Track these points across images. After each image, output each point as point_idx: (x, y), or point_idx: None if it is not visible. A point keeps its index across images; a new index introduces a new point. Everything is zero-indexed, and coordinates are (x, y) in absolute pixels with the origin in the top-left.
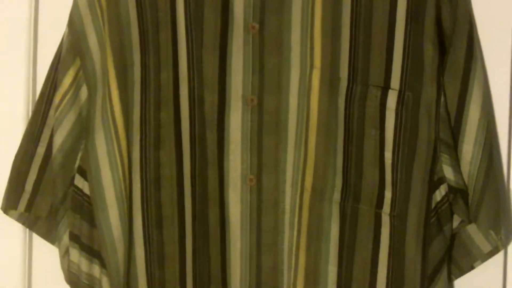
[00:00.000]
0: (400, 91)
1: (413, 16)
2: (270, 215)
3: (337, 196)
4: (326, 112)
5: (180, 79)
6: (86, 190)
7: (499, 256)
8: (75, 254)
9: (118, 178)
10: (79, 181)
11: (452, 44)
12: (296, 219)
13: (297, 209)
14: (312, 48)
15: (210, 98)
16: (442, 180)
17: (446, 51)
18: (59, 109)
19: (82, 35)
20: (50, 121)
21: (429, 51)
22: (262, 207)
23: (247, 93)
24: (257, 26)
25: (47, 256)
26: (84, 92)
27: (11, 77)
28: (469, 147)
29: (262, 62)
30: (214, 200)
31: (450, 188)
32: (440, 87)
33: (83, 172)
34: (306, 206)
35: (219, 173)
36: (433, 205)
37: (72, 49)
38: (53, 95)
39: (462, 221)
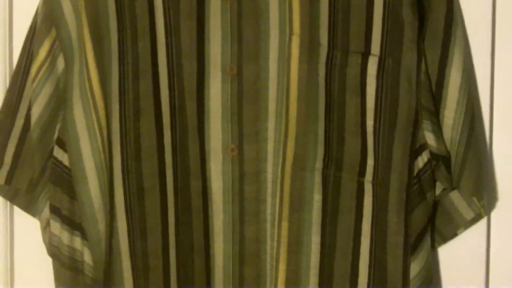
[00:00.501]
0: (380, 57)
1: None
2: (252, 185)
3: (319, 164)
4: (306, 79)
5: (158, 48)
6: (66, 162)
7: (482, 222)
8: (56, 227)
9: (98, 149)
10: (58, 153)
11: (432, 9)
12: (278, 188)
13: (279, 178)
14: (290, 14)
15: (189, 67)
16: (424, 147)
17: (425, 16)
18: (36, 81)
19: (57, 4)
20: (27, 93)
21: (409, 15)
22: (244, 177)
23: (226, 62)
24: None
25: (28, 229)
26: (60, 63)
27: None
28: (450, 113)
29: (240, 31)
30: (195, 170)
31: (432, 154)
32: (420, 53)
33: (62, 144)
34: (288, 175)
35: (199, 143)
36: (415, 172)
37: (47, 19)
38: (30, 66)
39: (444, 189)
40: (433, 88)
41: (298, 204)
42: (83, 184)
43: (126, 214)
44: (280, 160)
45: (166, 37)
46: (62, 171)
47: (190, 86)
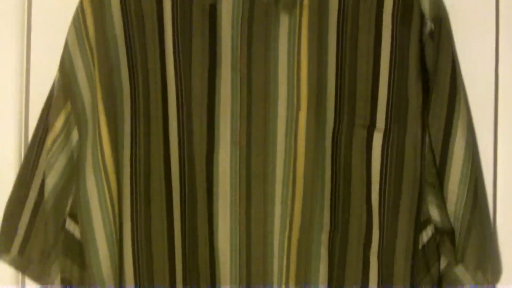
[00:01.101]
0: (385, 131)
1: (398, 54)
2: (259, 259)
3: (325, 237)
4: (312, 153)
5: (169, 112)
6: (77, 235)
7: None
8: None
9: (109, 220)
10: (70, 225)
11: (436, 83)
12: (284, 262)
13: (285, 252)
14: (298, 88)
15: (199, 138)
16: (428, 221)
17: (430, 90)
18: (51, 153)
19: (72, 77)
20: (42, 164)
21: (413, 90)
22: (251, 253)
23: (235, 131)
24: (244, 69)
25: None
26: (75, 135)
27: (3, 121)
28: (454, 187)
29: (249, 102)
30: (203, 256)
31: (437, 229)
32: (424, 127)
33: (73, 216)
34: (294, 248)
35: (208, 205)
36: (420, 246)
37: (63, 92)
38: (45, 138)
39: (449, 262)
40: (437, 162)
41: (304, 278)
42: (93, 256)
43: (135, 285)
44: (286, 233)
45: (177, 100)
46: (73, 243)
47: (200, 148)
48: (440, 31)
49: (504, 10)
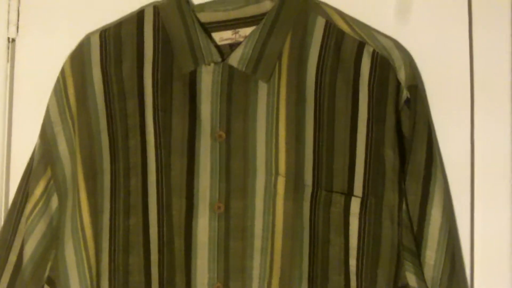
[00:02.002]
0: (363, 197)
1: (374, 121)
2: None
3: None
4: (291, 217)
5: (148, 185)
6: None
7: None
8: None
9: (86, 286)
10: None
11: (412, 150)
12: None
13: None
14: (277, 154)
15: (178, 204)
16: (406, 287)
17: (406, 157)
18: (30, 219)
19: (53, 144)
20: (21, 230)
21: (390, 156)
22: None
23: (214, 200)
24: (223, 134)
25: None
26: (54, 201)
27: None
28: (431, 253)
29: (228, 169)
30: None
31: None
32: (401, 193)
33: (51, 283)
34: None
35: (186, 280)
36: None
37: (43, 159)
38: (25, 204)
39: None
40: (414, 227)
41: None
42: None
43: None
44: None
45: (157, 174)
46: None
47: (179, 222)
48: (416, 98)
49: (479, 72)
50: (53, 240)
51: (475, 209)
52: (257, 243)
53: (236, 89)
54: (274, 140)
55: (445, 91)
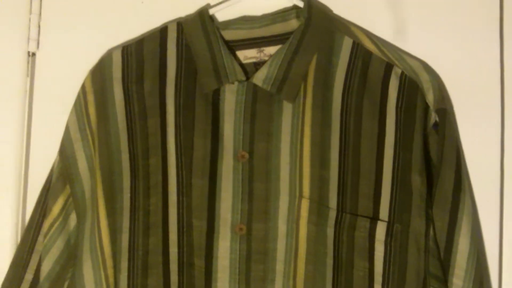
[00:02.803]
0: (389, 223)
1: (401, 145)
2: None
3: None
4: (314, 241)
5: (169, 205)
6: None
7: None
8: None
9: None
10: None
11: (440, 176)
12: None
13: None
14: (301, 176)
15: (199, 225)
16: None
17: (434, 183)
18: (48, 236)
19: (72, 161)
20: (39, 247)
21: (417, 182)
22: None
23: (236, 221)
24: (246, 155)
25: None
26: (73, 220)
27: (0, 203)
28: (459, 282)
29: (251, 190)
30: None
31: None
32: (428, 219)
33: None
34: None
35: None
36: None
37: (62, 176)
38: (42, 222)
39: None
40: (442, 255)
41: None
42: None
43: None
44: None
45: (178, 194)
46: None
47: (199, 243)
48: (445, 122)
49: (509, 95)
50: (70, 258)
51: (504, 236)
52: (279, 267)
53: (260, 109)
54: (298, 162)
55: (474, 113)
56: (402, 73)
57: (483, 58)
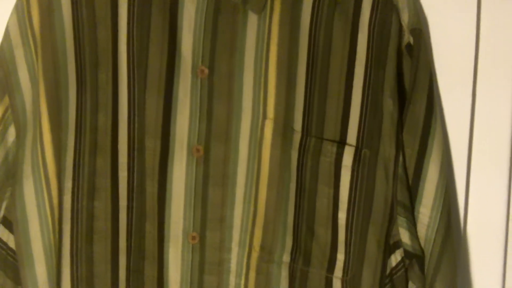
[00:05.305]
0: (357, 148)
1: (373, 65)
2: (213, 275)
3: (286, 257)
4: (278, 165)
5: (119, 123)
6: (11, 244)
7: None
8: None
9: (47, 230)
10: (3, 234)
11: (412, 100)
12: (242, 281)
13: (244, 270)
14: (265, 96)
15: (152, 145)
16: (398, 244)
17: (405, 107)
18: None
19: (12, 68)
20: None
21: (389, 106)
22: (205, 266)
23: (192, 142)
24: (206, 70)
25: None
26: (11, 134)
27: None
28: (426, 210)
29: (210, 109)
30: (152, 257)
31: (406, 253)
32: (398, 145)
33: (8, 223)
34: (253, 267)
35: (158, 228)
36: (387, 271)
37: (1, 85)
38: None
39: None
40: (410, 182)
41: None
42: (29, 269)
43: None
44: (246, 250)
45: (129, 113)
46: (6, 253)
47: (152, 165)
48: (419, 44)
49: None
50: (8, 177)
51: (472, 170)
52: (239, 191)
53: (222, 20)
54: (263, 81)
55: (449, 36)
56: None
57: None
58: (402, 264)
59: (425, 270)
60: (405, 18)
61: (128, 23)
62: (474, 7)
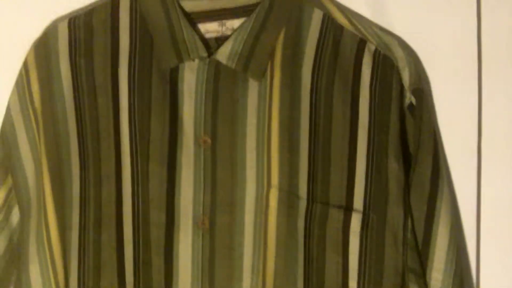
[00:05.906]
0: (364, 213)
1: (376, 128)
2: None
3: None
4: (285, 234)
5: (123, 197)
6: None
7: None
8: None
9: None
10: None
11: (417, 161)
12: None
13: None
14: (269, 164)
15: (156, 219)
16: None
17: (411, 169)
18: None
19: (14, 147)
20: None
21: (394, 169)
22: None
23: (197, 215)
24: (208, 140)
25: None
26: (15, 214)
27: None
28: (438, 275)
29: (214, 180)
30: None
31: None
32: (406, 209)
33: None
34: None
35: None
36: None
37: (3, 165)
38: None
39: None
40: (419, 246)
41: None
42: None
43: None
44: None
45: (133, 184)
46: None
47: (158, 239)
48: (421, 104)
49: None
50: (14, 259)
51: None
52: (247, 263)
53: (223, 88)
54: (266, 148)
55: (452, 95)
56: (376, 49)
57: (460, 36)
58: None
59: None
60: (406, 78)
61: (129, 93)
62: (475, 62)
